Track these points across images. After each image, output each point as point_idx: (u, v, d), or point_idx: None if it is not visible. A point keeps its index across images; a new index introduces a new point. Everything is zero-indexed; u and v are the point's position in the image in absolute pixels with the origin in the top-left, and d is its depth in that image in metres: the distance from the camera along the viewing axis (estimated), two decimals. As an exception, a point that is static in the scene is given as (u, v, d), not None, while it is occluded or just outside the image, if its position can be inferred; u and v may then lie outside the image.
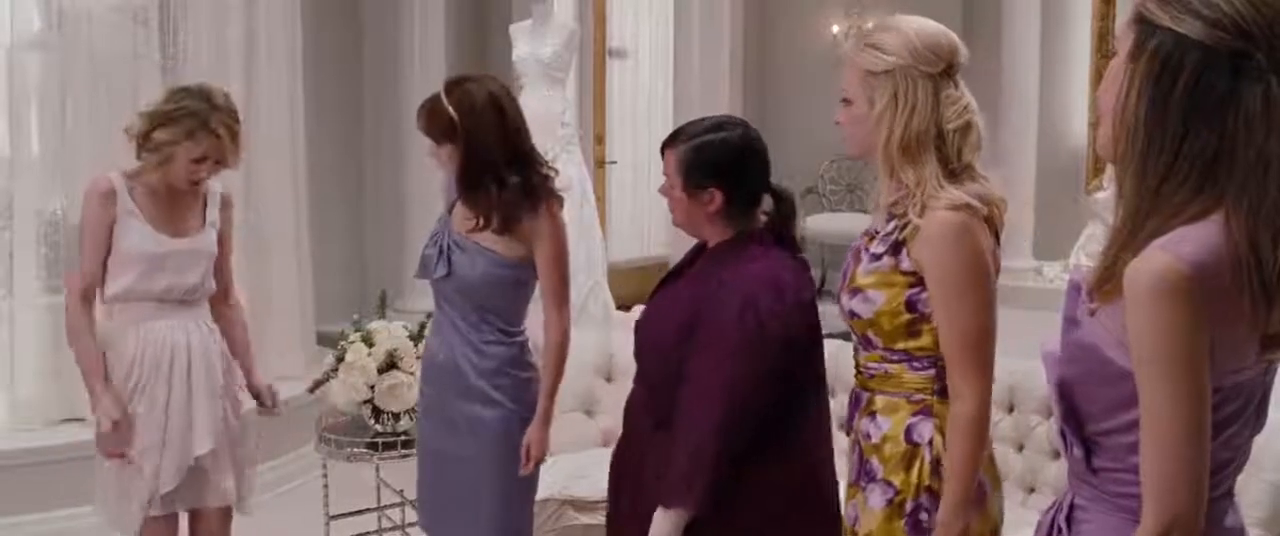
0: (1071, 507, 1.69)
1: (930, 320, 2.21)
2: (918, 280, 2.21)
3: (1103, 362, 1.58)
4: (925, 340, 2.23)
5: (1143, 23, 1.55)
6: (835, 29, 9.06)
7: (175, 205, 3.22)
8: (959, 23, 7.25)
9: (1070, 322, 1.65)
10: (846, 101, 2.30)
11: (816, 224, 8.60)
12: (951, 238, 2.17)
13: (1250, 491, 3.00)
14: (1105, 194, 7.40)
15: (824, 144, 8.80)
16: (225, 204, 3.32)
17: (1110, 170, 7.34)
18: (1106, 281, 1.56)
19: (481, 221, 2.99)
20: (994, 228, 2.26)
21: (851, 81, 2.27)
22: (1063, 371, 1.64)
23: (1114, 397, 1.57)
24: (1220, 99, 1.50)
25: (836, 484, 2.54)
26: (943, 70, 2.23)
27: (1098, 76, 8.12)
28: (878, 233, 2.28)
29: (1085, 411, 1.62)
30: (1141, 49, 1.54)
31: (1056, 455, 3.65)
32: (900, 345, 2.26)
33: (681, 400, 2.37)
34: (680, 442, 2.36)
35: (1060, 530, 1.69)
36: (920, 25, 2.25)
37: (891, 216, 2.25)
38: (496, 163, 2.96)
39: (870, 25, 2.32)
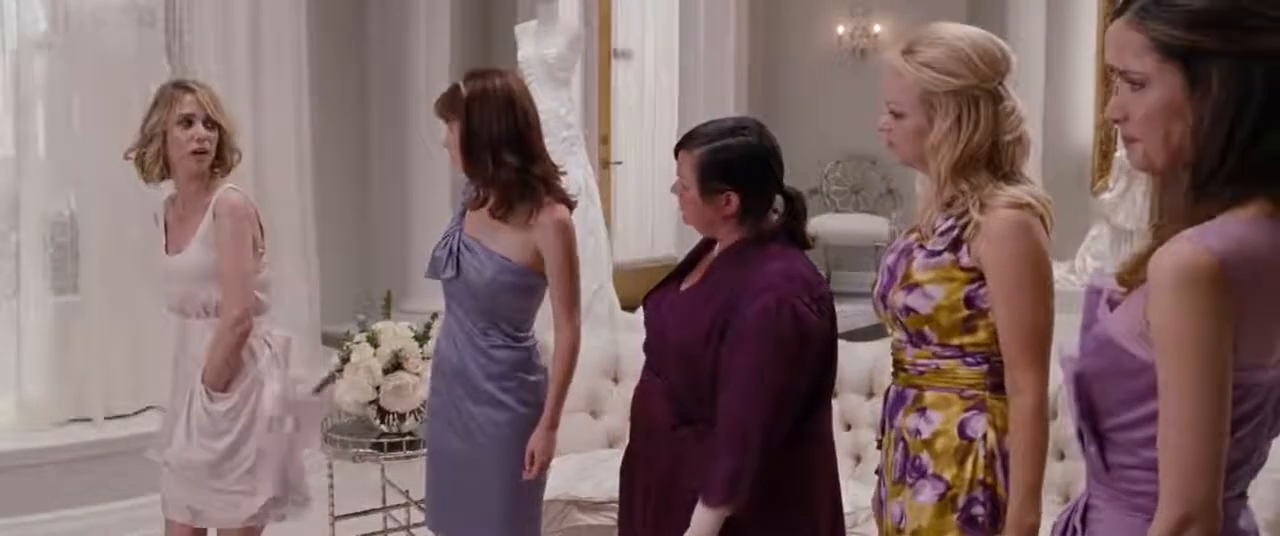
0: (1087, 507, 1.69)
1: (987, 316, 2.23)
2: (977, 276, 2.23)
3: (1119, 354, 1.58)
4: (981, 335, 2.25)
5: (1191, 55, 1.53)
6: (840, 30, 9.05)
7: (183, 222, 3.28)
8: (963, 23, 7.23)
9: (1089, 327, 1.66)
10: (897, 114, 2.29)
11: (821, 224, 8.60)
12: (1014, 234, 2.20)
13: (1257, 490, 2.99)
14: (1111, 195, 7.40)
15: (829, 145, 8.82)
16: (216, 214, 3.21)
17: (1116, 171, 7.35)
18: (1136, 271, 1.57)
19: (480, 195, 3.03)
20: (1047, 228, 2.27)
21: (906, 96, 2.27)
22: (1079, 365, 1.64)
23: (1130, 390, 1.58)
24: None
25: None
26: (999, 82, 2.25)
27: (1103, 77, 8.10)
28: (936, 228, 2.29)
29: (1101, 406, 1.63)
30: (1200, 83, 1.53)
31: (1061, 456, 3.65)
32: (955, 340, 2.27)
33: (722, 400, 2.40)
34: (724, 441, 2.39)
35: (1075, 530, 1.70)
36: (974, 38, 2.26)
37: (948, 214, 2.27)
38: (496, 142, 2.98)
39: (915, 33, 2.30)
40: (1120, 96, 1.61)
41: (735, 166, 2.46)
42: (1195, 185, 1.54)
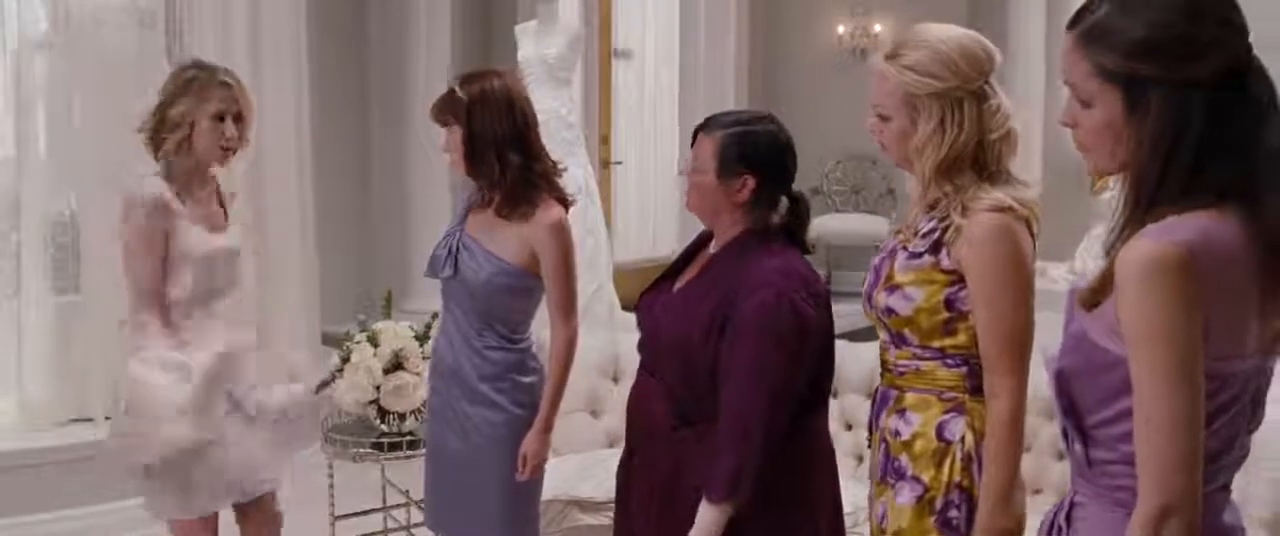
0: (1071, 505, 1.70)
1: (967, 318, 2.24)
2: (958, 279, 2.24)
3: (1095, 350, 1.59)
4: (961, 338, 2.26)
5: (1131, 82, 1.55)
6: (840, 29, 9.05)
7: (204, 202, 3.20)
8: (963, 23, 7.23)
9: (1069, 326, 1.66)
10: (883, 117, 2.31)
11: (821, 224, 8.60)
12: (994, 238, 2.20)
13: (1254, 489, 3.00)
14: (1110, 194, 7.39)
15: (829, 145, 8.81)
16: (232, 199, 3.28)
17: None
18: (1100, 290, 1.58)
19: (485, 196, 3.04)
20: (1031, 231, 2.28)
21: (891, 99, 2.28)
22: (1059, 363, 1.66)
23: (1107, 386, 1.59)
24: (1243, 133, 1.52)
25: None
26: (984, 82, 2.25)
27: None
28: (919, 230, 2.30)
29: (1082, 403, 1.64)
30: (1139, 108, 1.55)
31: (1060, 456, 3.65)
32: (935, 343, 2.28)
33: (723, 397, 2.42)
34: (726, 438, 2.40)
35: (1060, 529, 1.71)
36: (958, 40, 2.27)
37: (931, 216, 2.27)
38: (501, 143, 2.99)
39: (901, 36, 2.31)
40: (1071, 106, 1.64)
41: (758, 151, 2.50)
42: (1138, 204, 1.55)
